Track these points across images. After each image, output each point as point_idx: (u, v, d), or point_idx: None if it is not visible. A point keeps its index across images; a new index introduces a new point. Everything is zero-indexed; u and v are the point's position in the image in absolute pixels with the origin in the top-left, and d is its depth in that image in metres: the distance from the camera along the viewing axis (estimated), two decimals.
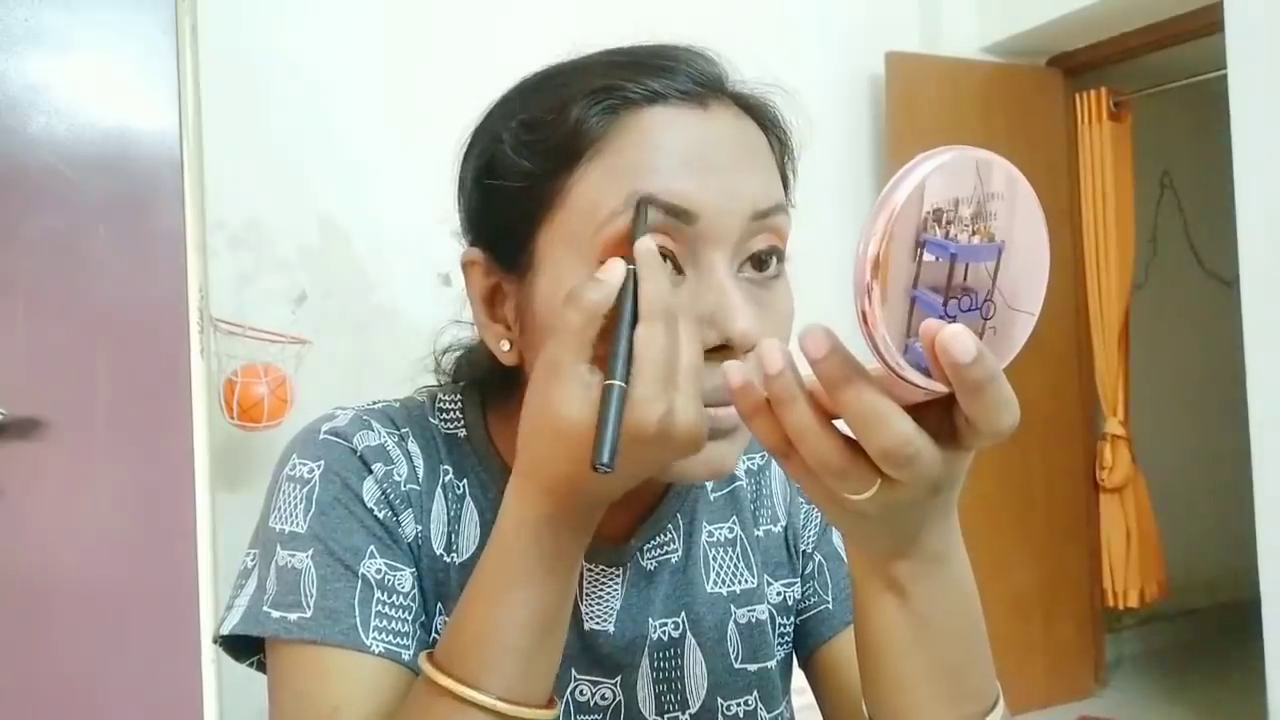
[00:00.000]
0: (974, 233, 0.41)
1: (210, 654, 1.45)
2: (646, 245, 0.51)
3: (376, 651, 0.58)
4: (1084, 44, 3.15)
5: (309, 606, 0.58)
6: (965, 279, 0.41)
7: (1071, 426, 3.25)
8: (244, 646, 0.63)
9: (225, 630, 0.61)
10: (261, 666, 0.64)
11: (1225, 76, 2.48)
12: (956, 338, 0.38)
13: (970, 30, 3.18)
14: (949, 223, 0.40)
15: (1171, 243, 3.99)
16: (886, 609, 0.51)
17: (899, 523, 0.46)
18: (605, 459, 0.45)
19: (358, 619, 0.59)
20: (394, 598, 0.61)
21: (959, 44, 3.16)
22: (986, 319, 0.41)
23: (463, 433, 0.67)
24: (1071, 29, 3.04)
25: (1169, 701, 3.32)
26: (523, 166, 0.56)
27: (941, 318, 0.40)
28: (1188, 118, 3.75)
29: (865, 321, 0.40)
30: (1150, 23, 2.95)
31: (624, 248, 0.52)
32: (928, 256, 0.40)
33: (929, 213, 0.40)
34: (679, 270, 0.55)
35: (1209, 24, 2.66)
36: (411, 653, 0.60)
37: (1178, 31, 2.91)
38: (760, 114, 0.60)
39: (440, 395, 0.69)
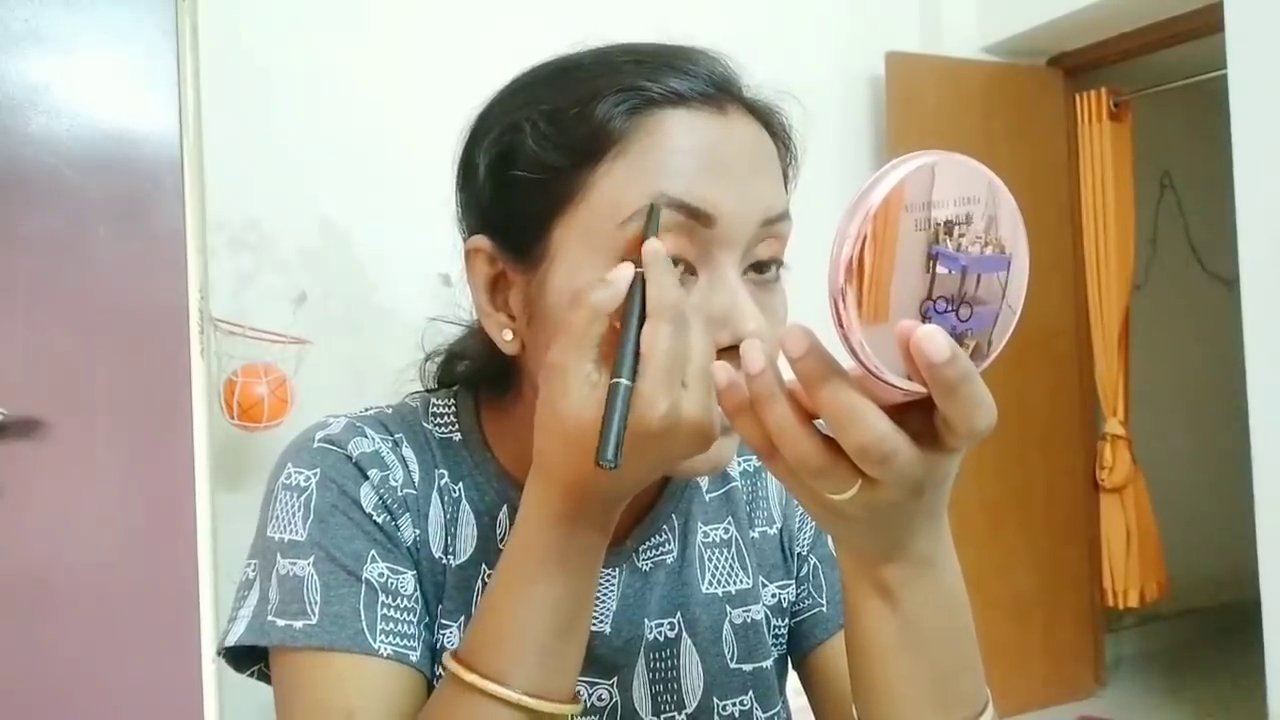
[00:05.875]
0: (986, 243, 0.41)
1: (211, 653, 1.45)
2: (654, 247, 0.51)
3: (385, 654, 0.59)
4: (1084, 44, 3.15)
5: (314, 613, 0.58)
6: (977, 289, 0.41)
7: (1071, 426, 3.25)
8: (245, 656, 0.63)
9: (230, 641, 0.61)
10: (263, 676, 0.64)
11: (1225, 76, 2.48)
12: (930, 338, 0.38)
13: (970, 30, 3.18)
14: (961, 235, 0.40)
15: (1171, 243, 3.99)
16: (875, 613, 0.51)
17: (884, 525, 0.47)
18: (609, 455, 0.46)
19: (364, 623, 0.59)
20: (398, 600, 0.61)
21: (959, 44, 3.16)
22: (963, 322, 0.42)
23: (457, 436, 0.67)
24: (1071, 29, 3.04)
25: (1169, 701, 3.32)
26: (544, 158, 0.56)
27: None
28: (1188, 118, 3.75)
29: (840, 324, 0.40)
30: (1150, 23, 2.95)
31: (640, 248, 0.53)
32: (940, 269, 0.40)
33: (940, 224, 0.40)
34: (692, 271, 0.55)
35: (1209, 24, 2.66)
36: (418, 654, 0.60)
37: (1178, 31, 2.91)
38: (769, 120, 0.61)
39: (433, 399, 0.70)
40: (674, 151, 0.55)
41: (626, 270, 0.51)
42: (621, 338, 0.49)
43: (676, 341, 0.49)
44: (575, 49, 0.61)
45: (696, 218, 0.54)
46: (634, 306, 0.50)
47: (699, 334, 0.50)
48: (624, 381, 0.48)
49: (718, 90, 0.57)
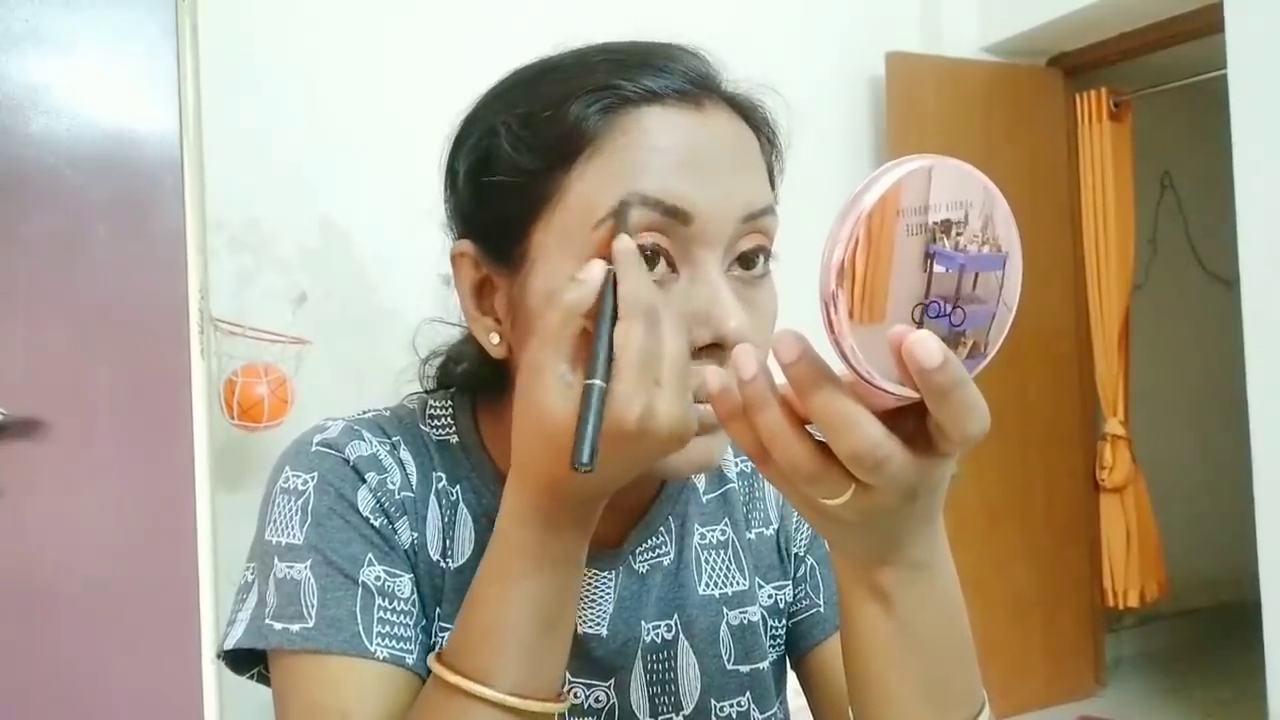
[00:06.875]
0: (984, 242, 0.41)
1: (211, 654, 1.45)
2: (625, 244, 0.51)
3: (381, 657, 0.59)
4: (1084, 44, 3.15)
5: (311, 617, 0.59)
6: (975, 288, 0.41)
7: (1071, 427, 3.25)
8: (244, 659, 0.63)
9: (229, 645, 0.61)
10: (262, 679, 0.64)
11: (1225, 76, 2.48)
12: (922, 343, 0.38)
13: (970, 30, 3.18)
14: (958, 234, 0.40)
15: (1171, 243, 3.99)
16: (871, 616, 0.51)
17: (879, 529, 0.46)
18: (584, 459, 0.45)
19: (360, 626, 0.59)
20: (395, 603, 0.61)
21: (959, 44, 3.16)
22: (959, 323, 0.42)
23: (454, 438, 0.67)
24: (1071, 29, 3.04)
25: (1169, 701, 3.31)
26: (519, 162, 0.56)
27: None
28: (1188, 118, 3.75)
29: (831, 329, 0.40)
30: (1150, 23, 2.95)
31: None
32: (938, 268, 0.40)
33: (937, 224, 0.40)
34: (673, 268, 0.55)
35: (1209, 24, 2.66)
36: (415, 657, 0.60)
37: (1178, 31, 2.91)
38: (751, 114, 0.61)
39: (431, 401, 0.70)
40: (649, 150, 0.54)
41: (598, 268, 0.50)
42: (594, 337, 0.49)
43: (649, 339, 0.48)
44: (556, 50, 0.61)
45: (673, 215, 0.54)
46: (606, 305, 0.50)
47: (672, 331, 0.50)
48: (598, 383, 0.47)
49: (695, 87, 0.57)
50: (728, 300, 0.54)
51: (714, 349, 0.54)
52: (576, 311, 0.49)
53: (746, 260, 0.57)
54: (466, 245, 0.61)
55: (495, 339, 0.60)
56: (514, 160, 0.57)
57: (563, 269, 0.54)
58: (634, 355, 0.48)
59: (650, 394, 0.48)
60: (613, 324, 0.49)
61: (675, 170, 0.54)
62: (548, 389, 0.49)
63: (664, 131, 0.55)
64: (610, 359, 0.48)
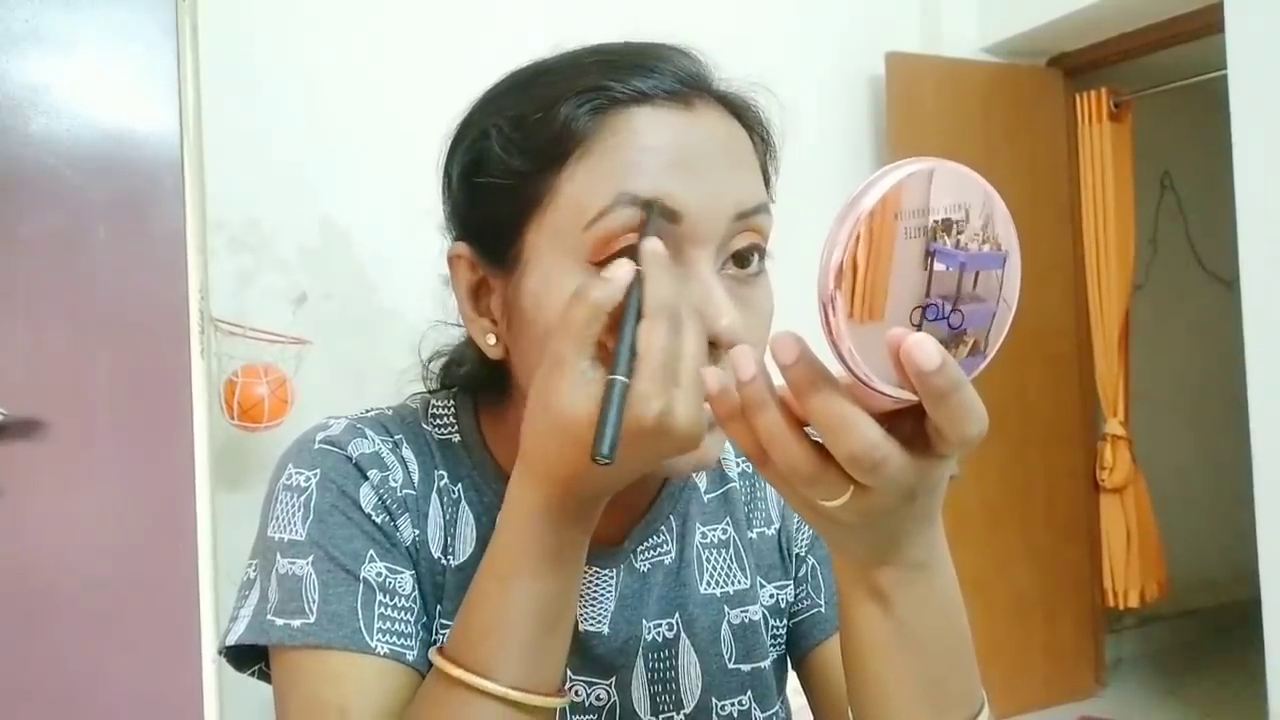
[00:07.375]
0: (984, 241, 0.41)
1: (211, 653, 1.45)
2: (654, 246, 0.51)
3: (381, 653, 0.59)
4: (1084, 44, 3.15)
5: (312, 612, 0.59)
6: (975, 286, 0.41)
7: (1072, 427, 3.25)
8: (246, 655, 0.64)
9: (231, 640, 0.61)
10: (263, 676, 0.64)
11: (1225, 76, 2.48)
12: (920, 345, 0.38)
13: (970, 30, 3.18)
14: (959, 233, 0.40)
15: (1171, 243, 3.99)
16: (870, 616, 0.51)
17: (877, 530, 0.47)
18: (605, 451, 0.46)
19: (361, 622, 0.59)
20: (396, 599, 0.61)
21: (959, 44, 3.16)
22: (959, 323, 0.42)
23: (456, 437, 0.68)
24: (1071, 29, 3.04)
25: (1169, 702, 3.31)
26: (511, 164, 0.57)
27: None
28: (1188, 118, 3.75)
29: (830, 332, 0.40)
30: (1150, 23, 2.95)
31: (612, 246, 0.53)
32: (939, 266, 0.40)
33: (937, 223, 0.40)
34: None
35: (1209, 24, 2.66)
36: (415, 653, 0.60)
37: (1178, 31, 2.91)
38: (743, 113, 0.61)
39: (433, 401, 0.70)
40: (638, 149, 0.55)
41: (626, 268, 0.51)
42: (619, 335, 0.49)
43: (672, 341, 0.49)
44: (552, 52, 0.61)
45: (663, 214, 0.54)
46: (632, 304, 0.50)
47: (693, 334, 0.50)
48: (621, 379, 0.48)
49: (685, 86, 0.57)
50: (720, 299, 0.54)
51: (709, 348, 0.54)
52: (603, 309, 0.49)
53: (741, 259, 0.57)
54: (462, 247, 0.61)
55: (491, 340, 0.61)
56: (505, 162, 0.57)
57: (555, 270, 0.55)
58: (657, 355, 0.48)
59: (670, 394, 0.48)
60: (637, 323, 0.49)
61: (665, 170, 0.54)
62: (568, 384, 0.49)
63: (653, 131, 0.55)
64: (633, 357, 0.49)
